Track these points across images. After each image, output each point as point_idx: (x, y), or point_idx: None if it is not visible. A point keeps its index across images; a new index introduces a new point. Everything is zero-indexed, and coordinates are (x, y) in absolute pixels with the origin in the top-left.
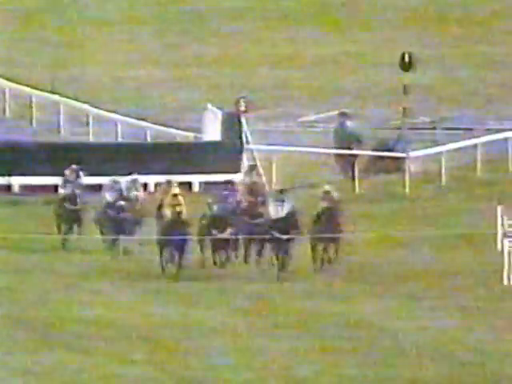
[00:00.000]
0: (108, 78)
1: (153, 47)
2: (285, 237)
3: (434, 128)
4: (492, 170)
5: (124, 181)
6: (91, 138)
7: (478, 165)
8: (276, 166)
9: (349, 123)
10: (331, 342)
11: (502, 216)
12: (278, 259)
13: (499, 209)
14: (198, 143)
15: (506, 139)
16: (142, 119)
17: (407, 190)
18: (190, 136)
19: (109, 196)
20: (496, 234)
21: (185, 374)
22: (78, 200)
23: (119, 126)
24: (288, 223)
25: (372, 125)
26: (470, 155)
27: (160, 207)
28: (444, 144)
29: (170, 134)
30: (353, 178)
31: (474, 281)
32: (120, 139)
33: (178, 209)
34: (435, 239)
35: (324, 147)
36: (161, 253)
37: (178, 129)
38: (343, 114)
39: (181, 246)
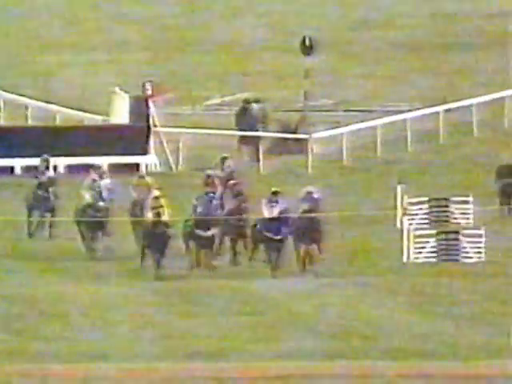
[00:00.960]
0: (18, 61)
1: (62, 32)
2: (277, 237)
3: (336, 110)
4: (391, 150)
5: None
6: (1, 121)
7: (378, 145)
8: (183, 148)
9: (253, 106)
10: (231, 317)
11: (401, 195)
12: (270, 258)
13: (399, 188)
14: (106, 126)
15: (404, 120)
16: (52, 103)
17: (310, 170)
18: (98, 119)
19: (88, 196)
20: (395, 212)
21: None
22: (51, 189)
23: (29, 110)
24: (280, 223)
25: (275, 107)
26: (370, 136)
27: (135, 206)
28: (345, 125)
29: (78, 117)
30: (257, 159)
31: (374, 258)
32: (30, 122)
33: (160, 210)
34: (337, 218)
35: (230, 129)
36: (142, 253)
37: (86, 112)
38: (247, 98)
39: (162, 248)
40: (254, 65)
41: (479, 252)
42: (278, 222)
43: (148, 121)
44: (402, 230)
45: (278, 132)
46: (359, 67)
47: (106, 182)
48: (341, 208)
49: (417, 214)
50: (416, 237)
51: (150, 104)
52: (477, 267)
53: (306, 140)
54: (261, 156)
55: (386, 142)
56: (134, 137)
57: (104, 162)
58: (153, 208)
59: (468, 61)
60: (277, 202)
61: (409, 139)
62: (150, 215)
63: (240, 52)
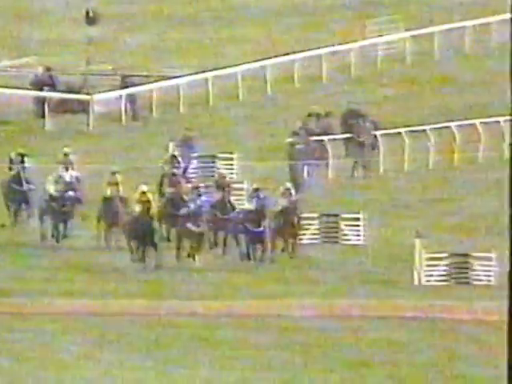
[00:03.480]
0: None
1: None
2: (257, 229)
3: (115, 74)
4: (167, 111)
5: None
6: None
7: (154, 107)
8: None
9: (39, 69)
10: None
11: (172, 149)
12: (251, 248)
13: (171, 145)
14: None
15: (177, 85)
16: None
17: (91, 127)
18: None
19: (52, 189)
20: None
21: None
22: (24, 182)
23: None
24: (258, 215)
25: (62, 71)
26: (147, 98)
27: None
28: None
29: None
30: (42, 116)
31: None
32: None
33: (147, 205)
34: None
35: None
36: (129, 246)
37: None
38: (47, 66)
39: (150, 240)
40: (41, 32)
41: None
42: (257, 215)
43: None
44: None
45: (63, 92)
46: (136, 37)
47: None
48: (121, 161)
49: (187, 168)
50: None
51: None
52: None
53: (87, 100)
54: (46, 113)
55: (160, 104)
56: None
57: None
58: (140, 202)
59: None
60: (257, 197)
61: (181, 102)
62: (136, 208)
63: (27, 20)
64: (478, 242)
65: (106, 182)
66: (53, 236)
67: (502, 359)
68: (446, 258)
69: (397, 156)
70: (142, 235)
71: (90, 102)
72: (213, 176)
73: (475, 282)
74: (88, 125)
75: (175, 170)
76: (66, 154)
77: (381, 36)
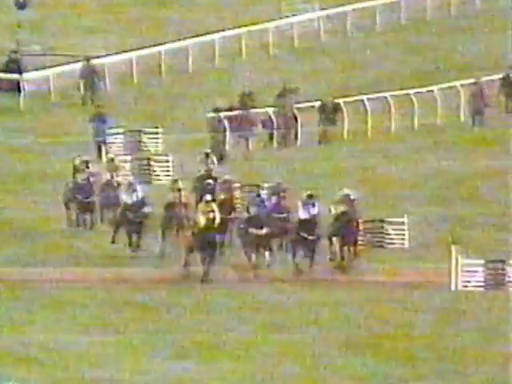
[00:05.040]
0: None
1: None
2: (311, 237)
3: (45, 55)
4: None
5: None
6: None
7: (81, 86)
8: None
9: None
10: None
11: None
12: (306, 257)
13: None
14: None
15: (102, 64)
16: None
17: (22, 105)
18: None
19: (126, 197)
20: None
21: None
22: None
23: None
24: (313, 225)
25: None
26: (74, 77)
27: (171, 206)
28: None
29: None
30: None
31: None
32: None
33: (211, 215)
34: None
35: None
36: (187, 255)
37: None
38: None
39: (212, 252)
40: None
41: None
42: (312, 224)
43: None
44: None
45: None
46: (65, 20)
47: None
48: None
49: (114, 143)
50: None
51: None
52: None
53: (17, 79)
54: None
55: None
56: None
57: None
58: (205, 212)
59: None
60: (313, 204)
61: (107, 80)
62: (202, 219)
63: None
64: (392, 208)
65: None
66: (130, 245)
67: None
68: (362, 223)
69: (337, 127)
70: (206, 247)
71: (21, 81)
72: (139, 150)
73: (389, 246)
74: (19, 103)
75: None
76: (112, 160)
77: (295, 15)
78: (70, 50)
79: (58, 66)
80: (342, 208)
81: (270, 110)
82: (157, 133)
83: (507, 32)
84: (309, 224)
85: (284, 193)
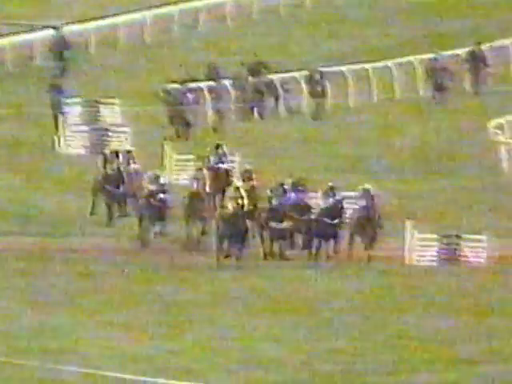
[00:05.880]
0: None
1: None
2: (333, 221)
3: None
4: (48, 58)
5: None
6: None
7: (37, 56)
8: None
9: None
10: None
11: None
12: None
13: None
14: None
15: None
16: None
17: None
18: None
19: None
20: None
21: None
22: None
23: None
24: (334, 212)
25: None
26: (29, 48)
27: (195, 195)
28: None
29: None
30: None
31: None
32: None
33: (240, 202)
34: None
35: None
36: (220, 243)
37: None
38: None
39: (241, 238)
40: None
41: None
42: (331, 211)
43: None
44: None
45: None
46: None
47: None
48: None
49: (71, 113)
50: None
51: None
52: None
53: None
54: None
55: (43, 53)
56: None
57: None
58: (233, 198)
59: None
60: (334, 195)
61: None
62: (229, 205)
63: None
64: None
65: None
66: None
67: None
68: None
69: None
70: (234, 234)
71: None
72: (96, 121)
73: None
74: None
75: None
76: (129, 151)
77: None
78: (28, 20)
79: (14, 34)
80: (361, 203)
81: (228, 83)
82: (113, 103)
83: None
84: (331, 211)
85: (304, 186)
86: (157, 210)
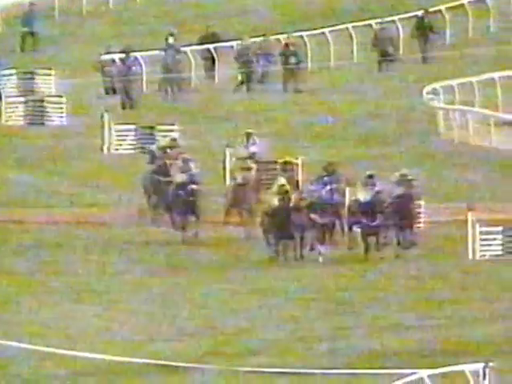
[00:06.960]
0: None
1: None
2: (374, 223)
3: None
4: None
5: None
6: None
7: None
8: None
9: None
10: None
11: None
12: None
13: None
14: None
15: None
16: None
17: None
18: None
19: (179, 177)
20: None
21: None
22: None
23: None
24: (374, 207)
25: None
26: None
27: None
28: None
29: None
30: None
31: None
32: None
33: (285, 197)
34: None
35: None
36: (267, 238)
37: None
38: None
39: (288, 234)
40: None
41: None
42: (371, 206)
43: None
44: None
45: None
46: None
47: None
48: None
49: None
50: None
51: None
52: None
53: None
54: None
55: None
56: None
57: None
58: (278, 194)
59: None
60: (373, 185)
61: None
62: (274, 200)
63: None
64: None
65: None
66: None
67: None
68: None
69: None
70: (281, 229)
71: None
72: (32, 92)
73: None
74: None
75: None
76: (174, 140)
77: None
78: None
79: None
80: (399, 191)
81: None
82: (50, 74)
83: None
84: (370, 207)
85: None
86: (185, 203)
